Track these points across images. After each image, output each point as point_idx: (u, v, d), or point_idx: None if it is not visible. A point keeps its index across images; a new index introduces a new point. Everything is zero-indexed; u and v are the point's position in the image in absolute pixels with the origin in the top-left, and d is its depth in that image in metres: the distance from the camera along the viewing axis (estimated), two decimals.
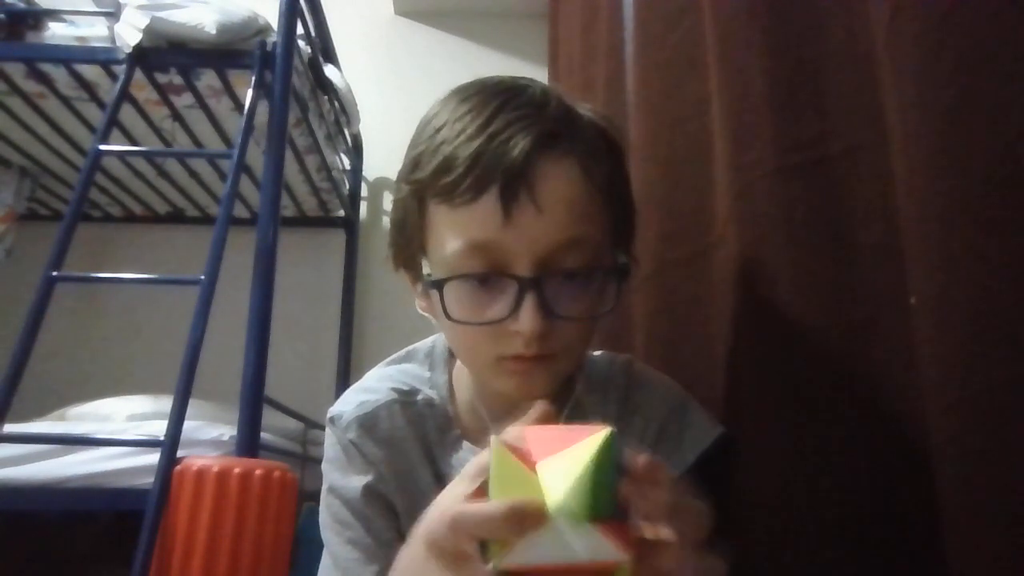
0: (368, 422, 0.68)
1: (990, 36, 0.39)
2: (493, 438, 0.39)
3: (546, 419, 0.44)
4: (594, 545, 0.35)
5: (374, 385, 0.71)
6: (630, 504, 0.37)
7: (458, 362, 0.70)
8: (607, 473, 0.36)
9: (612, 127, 0.63)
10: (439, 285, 0.57)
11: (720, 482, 0.67)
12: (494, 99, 0.57)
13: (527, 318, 0.54)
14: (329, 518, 0.68)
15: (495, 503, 0.37)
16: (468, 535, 0.38)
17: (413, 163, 0.60)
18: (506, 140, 0.54)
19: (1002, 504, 0.38)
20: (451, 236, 0.56)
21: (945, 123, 0.41)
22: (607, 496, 0.36)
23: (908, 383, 0.50)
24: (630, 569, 0.36)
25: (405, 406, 0.69)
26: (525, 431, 0.40)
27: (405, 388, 0.70)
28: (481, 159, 0.54)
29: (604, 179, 0.58)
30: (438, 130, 0.58)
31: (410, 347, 0.75)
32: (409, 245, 0.62)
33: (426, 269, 0.60)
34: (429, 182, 0.57)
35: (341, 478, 0.67)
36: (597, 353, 0.75)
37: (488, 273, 0.56)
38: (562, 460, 0.37)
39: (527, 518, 0.36)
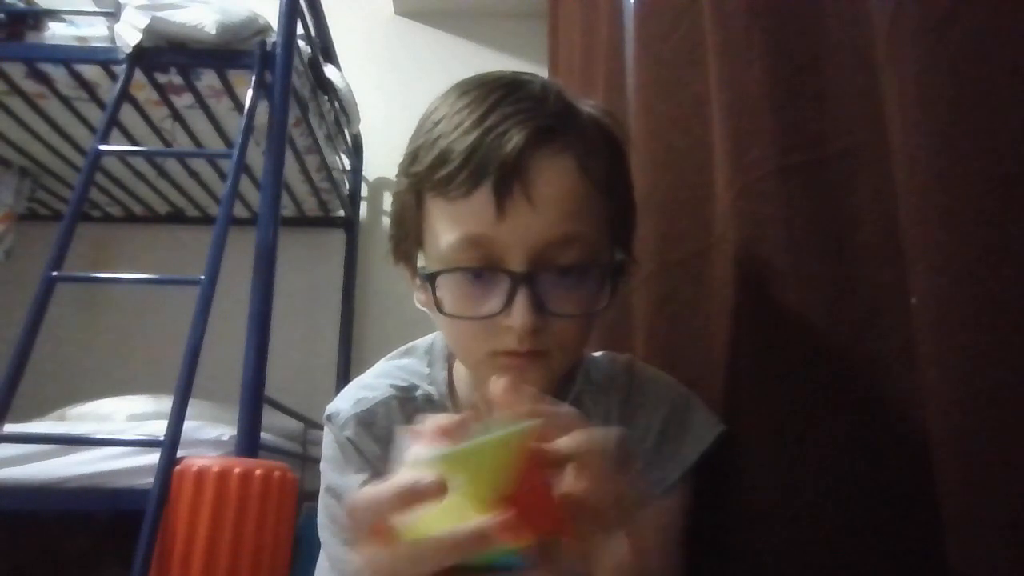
0: (366, 419, 0.67)
1: (990, 36, 0.39)
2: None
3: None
4: (484, 520, 0.37)
5: (372, 382, 0.70)
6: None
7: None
8: (513, 454, 0.39)
9: (614, 123, 0.63)
10: (432, 278, 0.57)
11: (721, 480, 0.67)
12: (492, 93, 0.57)
13: (519, 313, 0.54)
14: (326, 518, 0.67)
15: (387, 484, 0.39)
16: (367, 518, 0.39)
17: (411, 156, 0.60)
18: (501, 134, 0.54)
19: (1002, 504, 0.38)
20: (446, 230, 0.56)
21: (945, 122, 0.41)
22: (510, 474, 0.38)
23: (908, 383, 0.50)
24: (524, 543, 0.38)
25: (404, 403, 0.68)
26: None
27: (404, 384, 0.69)
28: (476, 153, 0.54)
29: (602, 175, 0.57)
30: (436, 124, 0.58)
31: (411, 343, 0.74)
32: (407, 239, 0.62)
33: (421, 262, 0.60)
34: (426, 175, 0.57)
35: (339, 477, 0.67)
36: (598, 353, 0.74)
37: (482, 267, 0.56)
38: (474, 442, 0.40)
39: (420, 493, 0.38)
